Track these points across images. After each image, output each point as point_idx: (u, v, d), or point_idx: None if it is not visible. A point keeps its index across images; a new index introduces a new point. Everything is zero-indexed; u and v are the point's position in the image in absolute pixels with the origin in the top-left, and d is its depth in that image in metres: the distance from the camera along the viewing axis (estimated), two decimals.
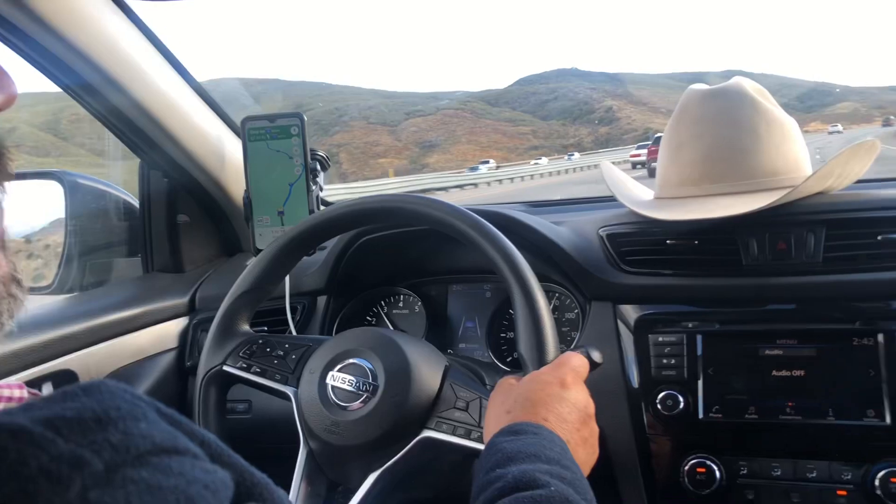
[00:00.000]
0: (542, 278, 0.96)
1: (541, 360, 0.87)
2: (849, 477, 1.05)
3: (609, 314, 1.21)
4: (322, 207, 1.36)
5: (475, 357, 1.35)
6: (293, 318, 1.34)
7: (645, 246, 1.20)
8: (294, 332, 1.33)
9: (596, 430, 0.82)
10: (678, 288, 1.18)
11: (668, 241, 1.18)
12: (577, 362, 0.84)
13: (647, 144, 30.15)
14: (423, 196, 1.02)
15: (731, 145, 1.15)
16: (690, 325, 1.15)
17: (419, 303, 1.45)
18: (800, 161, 1.17)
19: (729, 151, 1.15)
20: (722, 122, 1.16)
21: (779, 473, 1.08)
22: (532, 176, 39.30)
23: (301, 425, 0.97)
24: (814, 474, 1.06)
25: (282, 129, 1.33)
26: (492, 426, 0.76)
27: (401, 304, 1.48)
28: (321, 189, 1.37)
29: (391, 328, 1.44)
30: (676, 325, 1.16)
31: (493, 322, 1.39)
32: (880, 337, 1.06)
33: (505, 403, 0.79)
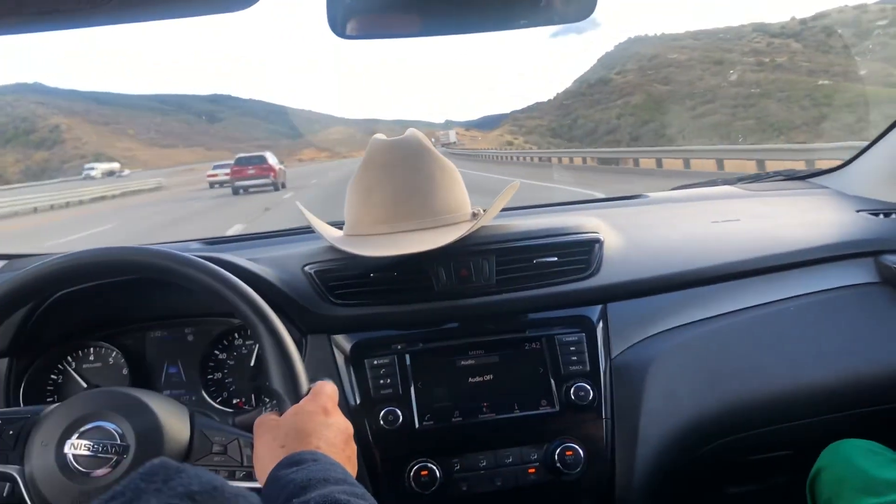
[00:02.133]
0: None
1: (297, 393, 0.93)
2: (535, 457, 1.26)
3: (325, 345, 1.30)
4: None
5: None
6: None
7: (351, 280, 1.32)
8: None
9: (355, 448, 0.89)
10: (384, 315, 1.31)
11: (371, 275, 1.32)
12: (330, 390, 0.93)
13: (227, 164, 31.38)
14: (142, 247, 1.02)
15: (414, 188, 1.33)
16: (399, 347, 1.29)
17: (114, 353, 1.37)
18: (464, 199, 1.40)
19: (413, 194, 1.33)
20: (406, 169, 1.34)
21: (484, 464, 1.25)
22: None
23: None
24: (510, 460, 1.26)
25: None
26: (267, 462, 0.80)
27: (91, 358, 1.37)
28: None
29: (84, 385, 1.34)
30: (387, 349, 1.29)
31: (202, 365, 1.38)
32: (544, 340, 1.31)
33: (277, 439, 0.83)
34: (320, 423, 0.85)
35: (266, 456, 0.83)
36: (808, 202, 1.72)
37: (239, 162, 27.74)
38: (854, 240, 1.51)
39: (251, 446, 0.92)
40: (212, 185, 33.01)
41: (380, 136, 1.43)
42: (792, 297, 1.43)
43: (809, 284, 1.45)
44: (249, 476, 0.96)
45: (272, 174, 25.79)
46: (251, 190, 25.35)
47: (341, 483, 0.72)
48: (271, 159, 27.65)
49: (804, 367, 1.36)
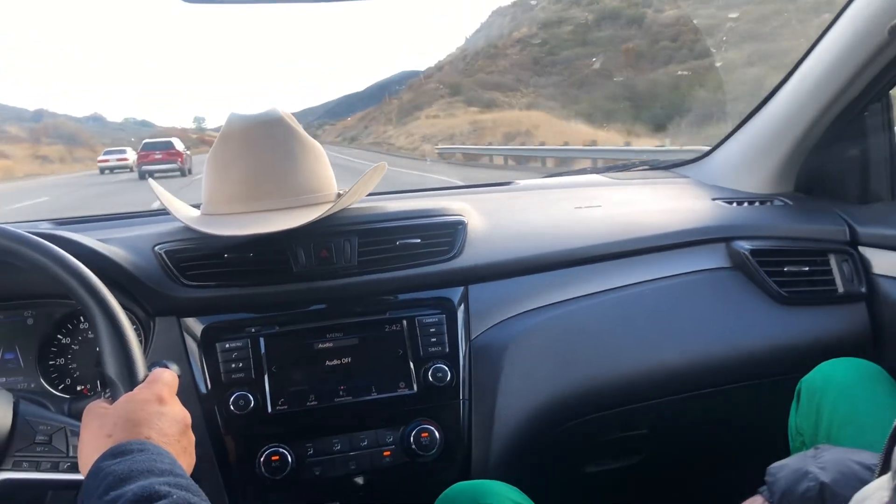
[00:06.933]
0: None
1: (132, 380, 0.87)
2: (391, 440, 1.25)
3: (174, 328, 1.25)
4: None
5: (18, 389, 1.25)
6: None
7: (204, 260, 1.27)
8: None
9: (193, 438, 0.85)
10: (238, 297, 1.27)
11: (225, 255, 1.27)
12: (168, 377, 0.87)
13: (118, 150, 32.75)
14: None
15: (274, 166, 1.29)
16: (253, 330, 1.25)
17: None
18: (330, 179, 1.38)
19: (273, 172, 1.29)
20: (265, 146, 1.30)
21: (338, 448, 1.23)
22: None
23: None
24: (365, 442, 1.24)
25: None
26: (91, 452, 0.74)
27: None
28: None
29: None
30: (240, 332, 1.25)
31: (42, 350, 1.29)
32: (404, 322, 1.31)
33: (104, 428, 0.77)
34: (153, 413, 0.80)
35: (90, 445, 0.78)
36: (668, 190, 1.79)
37: (146, 147, 27.83)
38: (708, 226, 1.57)
39: (79, 436, 0.86)
40: (102, 170, 32.03)
41: (239, 112, 1.38)
42: (649, 281, 1.47)
43: (665, 268, 1.50)
44: (74, 467, 0.91)
45: (179, 160, 25.81)
46: (156, 175, 24.84)
47: (166, 474, 0.68)
48: (178, 145, 27.93)
49: (658, 349, 1.41)
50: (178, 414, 0.83)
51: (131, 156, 30.33)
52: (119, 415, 0.79)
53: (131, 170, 29.36)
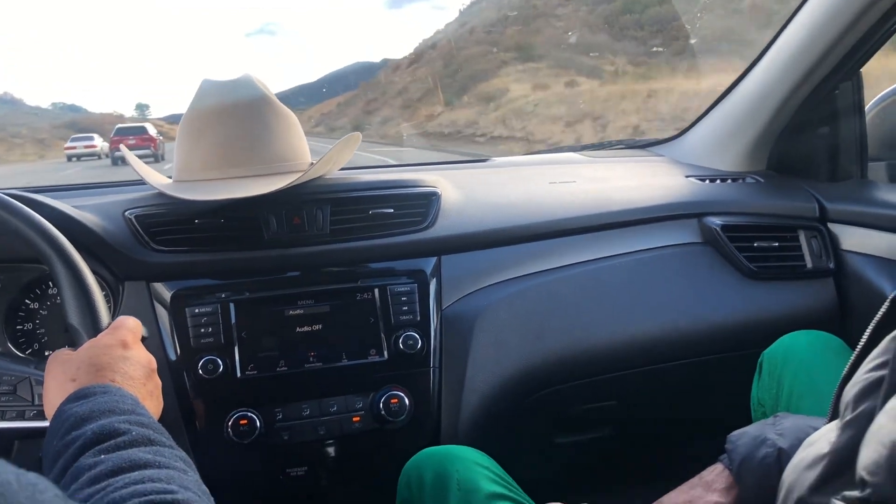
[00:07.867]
0: None
1: (95, 328, 0.88)
2: (360, 405, 1.26)
3: (143, 293, 1.24)
4: None
5: None
6: None
7: (174, 226, 1.26)
8: None
9: (159, 383, 0.85)
10: (209, 263, 1.27)
11: (196, 221, 1.27)
12: (132, 324, 0.88)
13: (87, 136, 32.30)
14: None
15: (248, 134, 1.29)
16: (223, 296, 1.25)
17: None
18: (303, 149, 1.37)
19: (246, 139, 1.29)
20: (239, 113, 1.29)
21: (308, 413, 1.24)
22: None
23: None
24: (335, 408, 1.25)
25: None
26: (55, 397, 0.75)
27: None
28: None
29: None
30: (210, 297, 1.24)
31: (9, 314, 1.28)
32: (376, 291, 1.31)
33: (67, 373, 0.77)
34: (118, 357, 0.80)
35: (55, 391, 0.78)
36: (643, 168, 1.80)
37: (119, 132, 27.49)
38: (680, 202, 1.58)
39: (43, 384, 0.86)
40: (69, 157, 31.10)
41: (212, 78, 1.38)
42: (620, 255, 1.49)
43: (637, 243, 1.51)
44: (40, 415, 0.91)
45: (152, 145, 25.66)
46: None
47: (127, 413, 0.69)
48: (151, 130, 27.77)
49: (628, 321, 1.42)
50: (142, 358, 0.83)
51: (100, 142, 30.12)
52: (82, 360, 0.79)
53: (99, 157, 29.10)
